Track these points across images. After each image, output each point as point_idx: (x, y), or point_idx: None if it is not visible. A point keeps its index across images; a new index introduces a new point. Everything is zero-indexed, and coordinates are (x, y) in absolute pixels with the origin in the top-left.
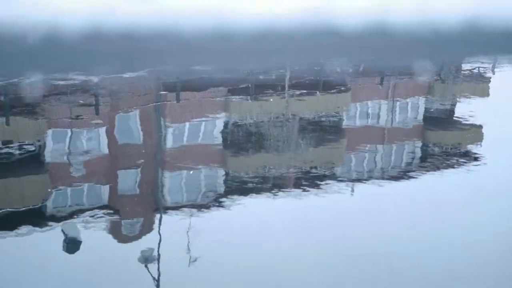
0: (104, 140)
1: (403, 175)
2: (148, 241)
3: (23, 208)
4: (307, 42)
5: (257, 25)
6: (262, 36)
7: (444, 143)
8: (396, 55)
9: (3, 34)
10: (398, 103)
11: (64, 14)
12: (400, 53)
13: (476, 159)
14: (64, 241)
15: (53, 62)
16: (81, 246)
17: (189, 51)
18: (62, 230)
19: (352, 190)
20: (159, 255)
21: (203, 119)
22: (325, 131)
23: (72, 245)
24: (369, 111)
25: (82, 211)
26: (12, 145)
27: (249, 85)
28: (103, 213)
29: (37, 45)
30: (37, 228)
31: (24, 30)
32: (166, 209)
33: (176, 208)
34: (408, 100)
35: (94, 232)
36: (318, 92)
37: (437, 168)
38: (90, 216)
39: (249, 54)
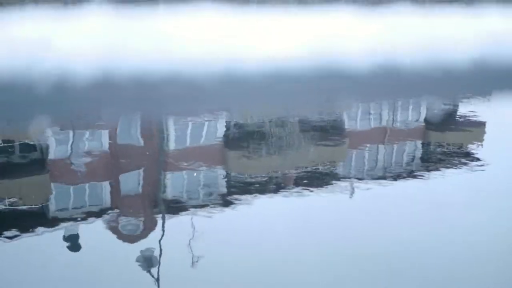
0: None
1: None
2: (149, 241)
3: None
4: (314, 84)
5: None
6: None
7: None
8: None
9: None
10: None
11: (73, 62)
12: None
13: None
14: (66, 241)
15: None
16: (83, 246)
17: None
18: (64, 230)
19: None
20: (160, 255)
21: None
22: None
23: (73, 245)
24: None
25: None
26: None
27: None
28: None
29: (45, 94)
30: (40, 228)
31: (32, 78)
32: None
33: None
34: None
35: (95, 232)
36: None
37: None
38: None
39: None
